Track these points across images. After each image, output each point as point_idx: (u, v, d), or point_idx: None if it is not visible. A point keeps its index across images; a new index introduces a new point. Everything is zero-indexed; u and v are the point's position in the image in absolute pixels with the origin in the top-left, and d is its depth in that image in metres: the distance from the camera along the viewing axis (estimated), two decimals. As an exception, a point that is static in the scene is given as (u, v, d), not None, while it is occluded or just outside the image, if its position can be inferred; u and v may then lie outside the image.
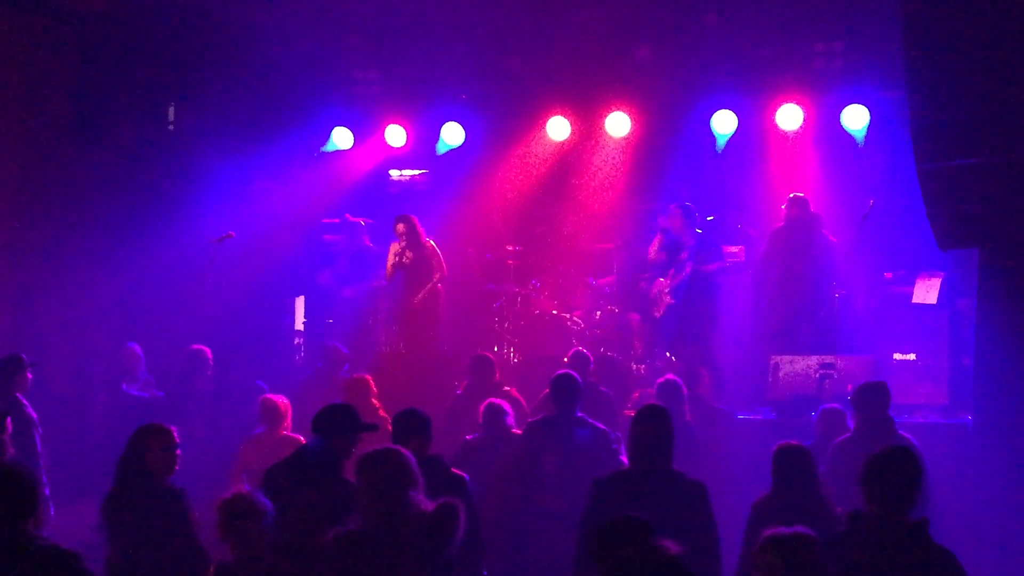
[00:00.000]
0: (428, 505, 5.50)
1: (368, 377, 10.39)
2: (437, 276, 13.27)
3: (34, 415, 9.40)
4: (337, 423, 6.57)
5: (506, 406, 8.87)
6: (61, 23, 13.90)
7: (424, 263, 13.23)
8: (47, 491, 9.05)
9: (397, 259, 13.15)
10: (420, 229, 13.23)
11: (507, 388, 10.34)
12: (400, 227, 13.13)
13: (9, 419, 8.15)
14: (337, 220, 14.45)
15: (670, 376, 9.73)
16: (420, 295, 13.21)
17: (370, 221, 14.36)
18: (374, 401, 10.06)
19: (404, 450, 5.64)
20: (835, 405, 9.09)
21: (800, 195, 12.47)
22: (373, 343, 13.77)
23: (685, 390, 9.49)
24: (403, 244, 13.11)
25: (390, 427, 8.92)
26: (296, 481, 5.79)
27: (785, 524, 4.96)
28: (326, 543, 5.47)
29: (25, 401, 9.47)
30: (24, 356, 9.78)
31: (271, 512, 5.69)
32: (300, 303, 14.60)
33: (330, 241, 14.53)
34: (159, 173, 14.51)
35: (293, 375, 12.90)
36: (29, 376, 9.68)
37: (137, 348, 12.02)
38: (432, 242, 13.32)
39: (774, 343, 11.95)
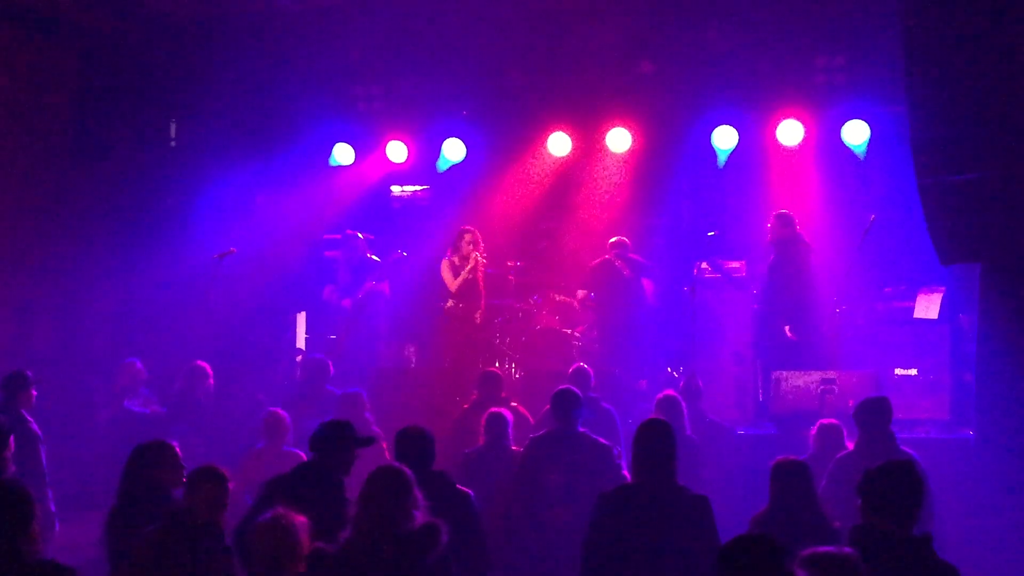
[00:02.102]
0: (418, 524, 5.49)
1: (361, 392, 10.39)
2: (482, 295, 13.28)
3: (38, 431, 9.40)
4: (334, 439, 6.57)
5: (508, 416, 8.90)
6: (62, 40, 13.94)
7: (479, 281, 13.24)
8: (52, 507, 9.05)
9: (470, 272, 13.02)
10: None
11: (514, 403, 10.36)
12: (471, 237, 13.04)
13: (12, 437, 8.13)
14: (339, 236, 14.45)
15: (669, 392, 9.74)
16: (479, 313, 13.17)
17: (369, 236, 14.33)
18: (367, 415, 10.06)
19: (405, 468, 5.63)
20: (832, 420, 9.08)
21: (785, 212, 12.46)
22: (374, 357, 13.74)
23: (684, 405, 9.49)
24: (475, 257, 13.04)
25: (383, 442, 9.01)
26: (295, 498, 5.77)
27: (783, 539, 4.91)
28: (307, 558, 5.43)
29: (30, 418, 9.47)
30: (29, 373, 9.79)
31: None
32: (302, 319, 14.59)
33: (330, 256, 14.52)
34: (161, 189, 14.54)
35: (290, 390, 12.89)
36: (34, 393, 9.69)
37: (138, 363, 12.03)
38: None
39: (776, 358, 11.94)
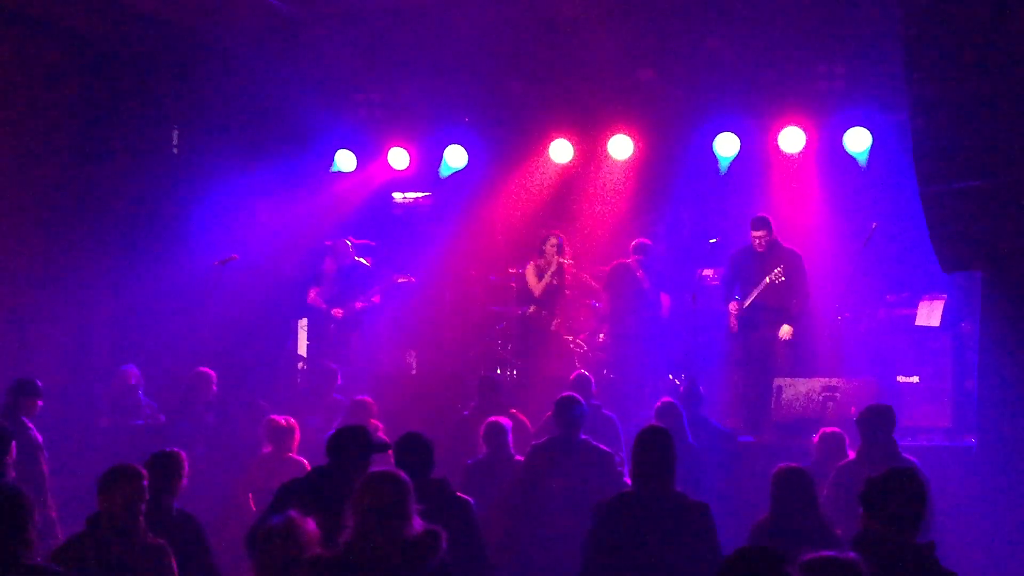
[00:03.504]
0: (419, 530, 5.47)
1: (369, 399, 10.40)
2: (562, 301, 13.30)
3: (40, 439, 9.41)
4: (349, 445, 6.58)
5: (506, 424, 8.89)
6: (65, 48, 13.95)
7: (562, 290, 13.24)
8: (54, 513, 9.06)
9: (551, 278, 13.04)
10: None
11: (513, 410, 10.35)
12: (555, 241, 13.05)
13: (14, 443, 8.14)
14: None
15: (668, 398, 9.73)
16: (557, 321, 13.17)
17: (370, 243, 14.29)
18: (374, 422, 10.08)
19: (403, 475, 5.61)
20: (834, 428, 9.09)
21: (762, 216, 12.17)
22: (373, 363, 13.72)
23: (684, 411, 9.49)
24: (558, 263, 13.04)
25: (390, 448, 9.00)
26: (309, 502, 5.77)
27: (785, 547, 4.90)
28: (304, 564, 5.42)
29: (31, 425, 9.48)
30: (39, 383, 9.80)
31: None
32: (303, 325, 14.59)
33: (319, 262, 14.38)
34: (163, 196, 14.54)
35: (296, 397, 12.88)
36: (39, 403, 9.69)
37: (134, 369, 12.06)
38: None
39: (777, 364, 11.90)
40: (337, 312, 13.37)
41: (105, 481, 6.25)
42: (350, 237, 13.96)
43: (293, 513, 5.48)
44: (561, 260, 13.05)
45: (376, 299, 13.48)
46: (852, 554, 4.76)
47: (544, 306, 13.11)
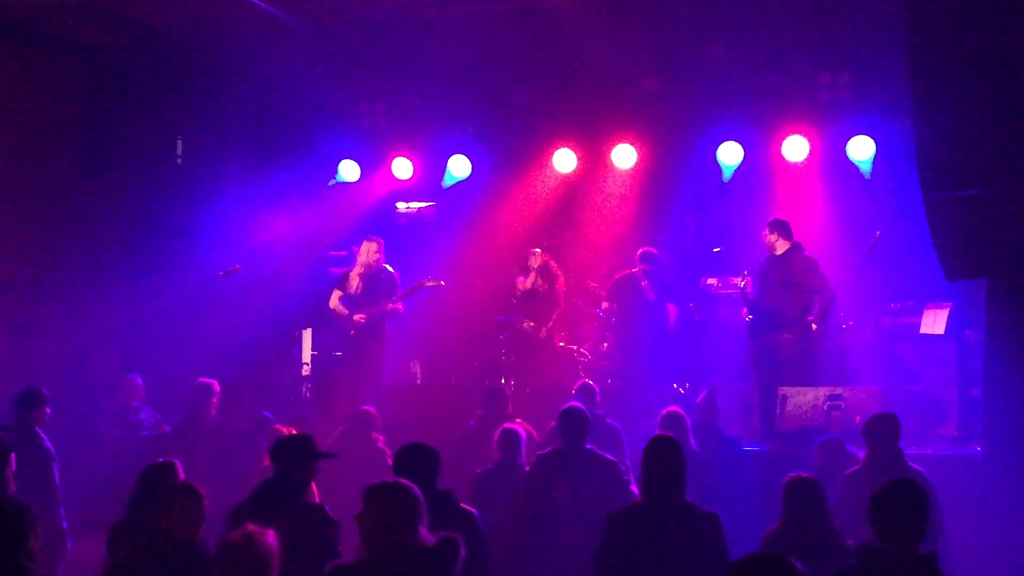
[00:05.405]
0: (431, 540, 5.45)
1: (372, 409, 10.39)
2: (556, 312, 13.49)
3: (52, 449, 9.40)
4: (292, 453, 6.63)
5: (521, 432, 8.87)
6: (69, 59, 13.99)
7: (552, 296, 13.39)
8: (64, 524, 9.06)
9: (531, 286, 13.35)
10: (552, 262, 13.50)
11: (519, 420, 10.32)
12: (534, 257, 13.42)
13: (14, 455, 8.11)
14: (344, 252, 14.37)
15: (673, 408, 9.70)
16: (544, 328, 13.31)
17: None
18: (375, 434, 10.08)
19: (411, 484, 5.60)
20: (833, 435, 9.07)
21: (777, 220, 12.03)
22: (378, 372, 13.66)
23: (688, 421, 9.47)
24: (542, 260, 13.34)
25: (389, 460, 8.98)
26: (259, 516, 5.76)
27: (796, 556, 4.89)
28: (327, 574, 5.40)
29: (43, 435, 9.48)
30: (45, 391, 9.79)
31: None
32: (308, 335, 14.56)
33: (339, 267, 14.24)
34: (167, 206, 14.57)
35: (301, 408, 12.86)
36: (48, 411, 9.69)
37: (138, 379, 12.05)
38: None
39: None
40: (360, 318, 13.10)
41: (163, 496, 6.27)
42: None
43: (251, 527, 5.44)
44: (546, 258, 13.38)
45: (400, 306, 13.21)
46: (794, 560, 4.78)
47: (532, 316, 13.30)
